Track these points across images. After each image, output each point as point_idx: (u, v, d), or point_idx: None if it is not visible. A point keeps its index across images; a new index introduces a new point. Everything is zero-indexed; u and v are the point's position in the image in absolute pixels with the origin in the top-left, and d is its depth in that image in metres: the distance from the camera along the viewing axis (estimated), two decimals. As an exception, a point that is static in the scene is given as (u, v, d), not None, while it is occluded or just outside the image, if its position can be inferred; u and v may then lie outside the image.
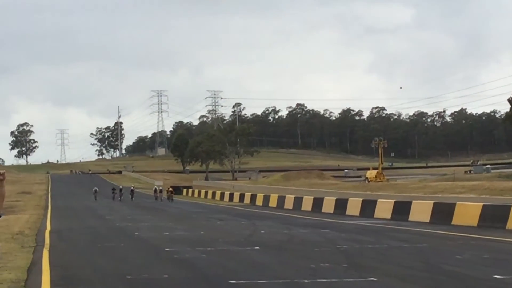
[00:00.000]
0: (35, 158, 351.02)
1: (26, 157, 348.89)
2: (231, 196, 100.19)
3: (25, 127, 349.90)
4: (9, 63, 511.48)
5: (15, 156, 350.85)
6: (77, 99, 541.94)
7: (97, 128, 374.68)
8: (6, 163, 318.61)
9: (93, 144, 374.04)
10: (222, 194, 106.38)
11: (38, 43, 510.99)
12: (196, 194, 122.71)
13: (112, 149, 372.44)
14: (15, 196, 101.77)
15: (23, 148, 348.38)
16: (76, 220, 55.09)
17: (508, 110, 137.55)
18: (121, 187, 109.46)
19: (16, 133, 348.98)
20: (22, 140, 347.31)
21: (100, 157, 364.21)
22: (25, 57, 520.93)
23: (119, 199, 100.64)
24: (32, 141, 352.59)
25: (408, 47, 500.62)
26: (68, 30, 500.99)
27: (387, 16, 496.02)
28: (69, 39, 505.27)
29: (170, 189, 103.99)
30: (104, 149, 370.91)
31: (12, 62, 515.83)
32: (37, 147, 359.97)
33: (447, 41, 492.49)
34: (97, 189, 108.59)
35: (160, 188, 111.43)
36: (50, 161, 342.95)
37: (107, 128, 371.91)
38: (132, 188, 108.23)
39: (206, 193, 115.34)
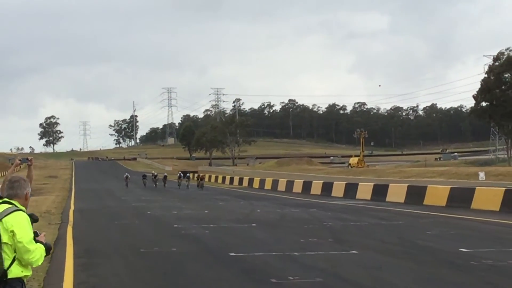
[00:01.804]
0: (60, 147, 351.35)
1: (53, 145, 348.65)
2: (232, 180, 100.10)
3: (52, 119, 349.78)
4: (37, 64, 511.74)
5: (43, 144, 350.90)
6: (97, 95, 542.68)
7: (115, 120, 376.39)
8: (36, 151, 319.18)
9: (111, 135, 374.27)
10: (223, 178, 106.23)
11: (62, 47, 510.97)
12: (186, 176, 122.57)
13: (128, 139, 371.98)
14: (43, 180, 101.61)
15: (50, 138, 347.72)
16: (97, 200, 54.96)
17: (473, 105, 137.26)
18: (155, 173, 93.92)
19: (44, 125, 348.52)
20: (49, 131, 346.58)
21: (118, 145, 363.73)
22: (50, 59, 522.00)
23: (154, 185, 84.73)
24: (58, 131, 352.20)
25: (384, 49, 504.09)
26: (89, 34, 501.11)
27: (366, 23, 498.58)
28: (89, 42, 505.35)
29: (202, 175, 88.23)
30: (121, 138, 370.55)
31: (40, 63, 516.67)
32: (63, 137, 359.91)
33: (418, 44, 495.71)
34: (129, 175, 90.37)
35: (165, 174, 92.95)
36: (73, 149, 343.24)
37: (124, 120, 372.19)
38: (165, 174, 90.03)
39: (209, 177, 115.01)
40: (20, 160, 11.23)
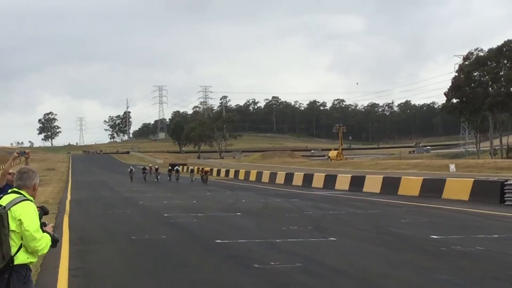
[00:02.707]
0: (58, 141, 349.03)
1: (51, 140, 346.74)
2: (219, 172, 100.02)
3: (50, 115, 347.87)
4: (34, 63, 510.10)
5: (41, 139, 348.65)
6: (91, 93, 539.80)
7: (109, 116, 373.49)
8: (35, 145, 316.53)
9: (106, 130, 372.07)
10: (211, 170, 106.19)
11: (59, 47, 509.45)
12: (184, 170, 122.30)
13: (121, 134, 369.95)
14: (42, 172, 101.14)
15: (49, 133, 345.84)
16: (92, 191, 54.82)
17: (444, 102, 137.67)
18: (177, 167, 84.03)
19: (42, 120, 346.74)
20: (47, 126, 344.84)
21: (112, 140, 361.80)
22: (48, 58, 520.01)
23: (176, 180, 75.69)
24: (56, 127, 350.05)
25: (361, 50, 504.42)
26: (84, 35, 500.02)
27: (344, 25, 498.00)
28: (84, 43, 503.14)
29: (206, 169, 78.99)
30: (115, 133, 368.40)
31: (38, 62, 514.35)
32: (60, 132, 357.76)
33: (393, 45, 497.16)
34: (133, 169, 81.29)
35: (156, 166, 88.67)
36: (70, 143, 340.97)
37: (117, 116, 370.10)
38: (177, 168, 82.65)
39: (198, 169, 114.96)
40: (18, 153, 11.24)
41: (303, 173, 67.26)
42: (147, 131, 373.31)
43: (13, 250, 6.24)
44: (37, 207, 6.60)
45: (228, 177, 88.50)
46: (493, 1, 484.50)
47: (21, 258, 6.28)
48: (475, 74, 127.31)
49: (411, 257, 15.19)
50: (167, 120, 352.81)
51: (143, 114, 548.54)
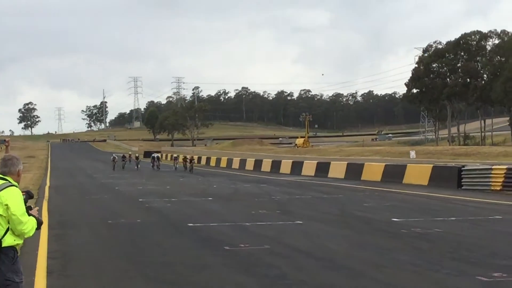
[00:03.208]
0: (37, 130, 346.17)
1: (31, 129, 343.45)
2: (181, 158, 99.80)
3: (29, 105, 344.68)
4: (15, 55, 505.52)
5: (22, 128, 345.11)
6: (70, 84, 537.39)
7: (87, 106, 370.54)
8: (15, 134, 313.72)
9: (83, 119, 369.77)
10: (170, 157, 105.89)
11: (38, 39, 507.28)
12: (164, 157, 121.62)
13: (98, 123, 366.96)
14: (22, 159, 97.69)
15: (28, 122, 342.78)
16: (70, 178, 54.55)
17: (405, 92, 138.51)
18: (157, 155, 78.23)
19: (23, 110, 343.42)
20: (27, 115, 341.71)
21: (89, 129, 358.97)
22: (27, 50, 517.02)
23: (157, 168, 71.55)
24: (35, 116, 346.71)
25: (326, 42, 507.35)
26: (62, 28, 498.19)
27: (310, 19, 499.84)
28: (62, 36, 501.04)
29: (189, 157, 70.20)
30: (92, 122, 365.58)
31: (18, 54, 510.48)
32: (39, 121, 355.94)
33: (356, 38, 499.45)
34: (116, 157, 75.39)
35: (136, 155, 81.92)
36: (49, 132, 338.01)
37: (94, 106, 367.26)
38: (157, 156, 77.37)
39: (171, 156, 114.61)
40: (-2, 141, 11.10)
41: (271, 160, 67.37)
42: (123, 120, 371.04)
43: (1, 233, 6.27)
44: (23, 192, 6.59)
45: (200, 163, 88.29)
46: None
47: (8, 240, 6.30)
48: (434, 65, 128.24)
49: (373, 238, 15.29)
50: (142, 109, 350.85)
51: (119, 104, 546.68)
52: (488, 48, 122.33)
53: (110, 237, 16.71)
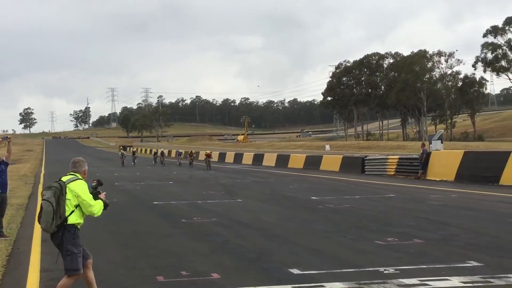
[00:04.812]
0: (34, 129, 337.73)
1: (29, 128, 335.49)
2: (156, 152, 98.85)
3: (28, 110, 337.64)
4: (17, 70, 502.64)
5: (22, 128, 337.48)
6: (60, 93, 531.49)
7: (74, 110, 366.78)
8: (17, 132, 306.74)
9: (71, 121, 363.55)
10: (151, 151, 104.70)
11: (35, 58, 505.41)
12: (139, 151, 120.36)
13: (83, 123, 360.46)
14: (22, 153, 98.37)
15: (27, 123, 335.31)
16: (62, 167, 53.44)
17: (321, 99, 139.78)
18: (161, 150, 66.26)
19: (22, 114, 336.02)
20: (26, 118, 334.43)
21: (76, 128, 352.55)
22: (27, 66, 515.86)
23: (133, 163, 60.29)
24: (33, 119, 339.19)
25: (260, 61, 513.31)
26: (54, 49, 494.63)
27: (248, 43, 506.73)
28: (55, 55, 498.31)
29: (208, 152, 51.23)
30: (78, 123, 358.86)
31: (19, 69, 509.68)
32: (36, 123, 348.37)
33: (284, 57, 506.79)
34: (124, 153, 62.95)
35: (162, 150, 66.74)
36: (44, 131, 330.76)
37: (80, 110, 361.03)
38: (158, 151, 66.01)
39: (141, 150, 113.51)
40: (1, 138, 10.92)
41: (218, 152, 67.33)
42: (102, 121, 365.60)
43: (67, 213, 6.43)
44: (95, 180, 6.87)
45: (165, 156, 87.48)
46: (356, 25, 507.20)
47: (71, 219, 6.46)
48: (344, 79, 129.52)
49: (297, 212, 15.45)
50: (118, 113, 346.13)
51: (100, 109, 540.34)
52: (385, 65, 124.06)
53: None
